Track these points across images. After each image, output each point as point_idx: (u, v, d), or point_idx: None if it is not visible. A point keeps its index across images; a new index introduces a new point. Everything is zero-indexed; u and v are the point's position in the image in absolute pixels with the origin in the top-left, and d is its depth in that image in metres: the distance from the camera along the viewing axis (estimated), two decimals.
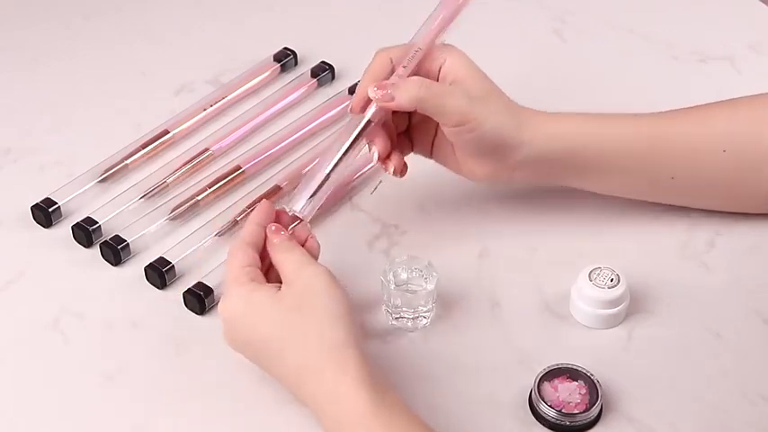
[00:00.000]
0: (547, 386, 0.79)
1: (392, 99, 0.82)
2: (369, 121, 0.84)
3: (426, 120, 0.86)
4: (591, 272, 0.84)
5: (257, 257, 0.80)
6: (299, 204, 0.82)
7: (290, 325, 0.75)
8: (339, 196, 0.95)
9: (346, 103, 1.03)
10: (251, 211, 0.92)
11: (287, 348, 0.75)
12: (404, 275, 0.85)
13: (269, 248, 0.80)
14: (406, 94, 0.82)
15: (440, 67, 0.85)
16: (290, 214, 0.83)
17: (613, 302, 0.83)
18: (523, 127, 0.85)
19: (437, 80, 0.85)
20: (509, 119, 0.84)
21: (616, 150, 0.86)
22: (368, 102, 0.83)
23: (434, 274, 0.84)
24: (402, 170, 0.86)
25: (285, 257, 0.79)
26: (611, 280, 0.83)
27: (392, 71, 0.84)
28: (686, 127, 0.88)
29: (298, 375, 0.75)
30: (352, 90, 1.05)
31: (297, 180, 0.95)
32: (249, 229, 0.81)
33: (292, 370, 0.75)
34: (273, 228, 0.81)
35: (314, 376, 0.74)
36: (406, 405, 0.73)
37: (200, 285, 0.86)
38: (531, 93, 1.06)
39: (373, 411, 0.71)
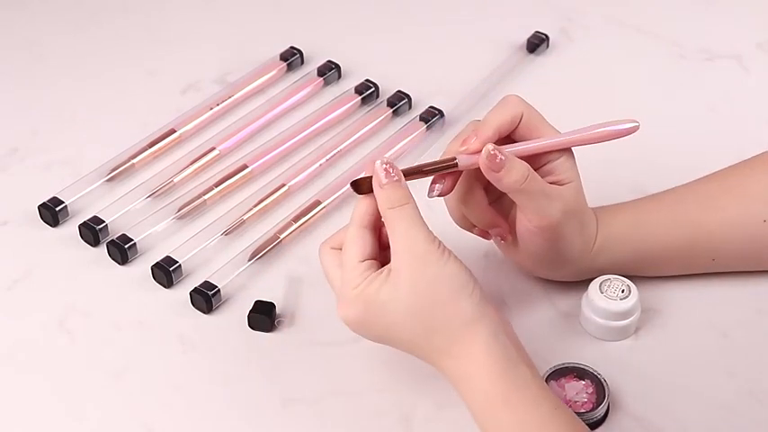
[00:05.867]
0: (554, 385, 0.79)
1: (499, 169, 0.76)
2: (456, 164, 0.78)
3: (503, 206, 0.83)
4: (601, 283, 0.83)
5: (372, 240, 0.76)
6: None
7: (413, 311, 0.73)
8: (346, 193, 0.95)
9: (352, 102, 1.03)
10: (257, 209, 0.93)
11: (416, 335, 0.74)
12: None
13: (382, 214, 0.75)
14: (513, 175, 0.77)
15: (548, 161, 0.80)
16: None
17: (625, 314, 0.82)
18: (586, 248, 0.83)
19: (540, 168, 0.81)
20: (581, 238, 0.82)
21: (659, 249, 0.84)
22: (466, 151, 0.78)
23: None
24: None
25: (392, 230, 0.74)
26: (623, 291, 0.83)
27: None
28: (725, 211, 0.84)
29: (432, 356, 0.75)
30: (358, 89, 1.04)
31: (303, 180, 0.96)
32: (361, 210, 0.76)
33: (427, 352, 0.75)
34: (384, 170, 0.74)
35: (447, 359, 0.74)
36: (536, 377, 0.73)
37: (206, 284, 0.86)
38: (539, 90, 1.07)
39: (503, 395, 0.71)
